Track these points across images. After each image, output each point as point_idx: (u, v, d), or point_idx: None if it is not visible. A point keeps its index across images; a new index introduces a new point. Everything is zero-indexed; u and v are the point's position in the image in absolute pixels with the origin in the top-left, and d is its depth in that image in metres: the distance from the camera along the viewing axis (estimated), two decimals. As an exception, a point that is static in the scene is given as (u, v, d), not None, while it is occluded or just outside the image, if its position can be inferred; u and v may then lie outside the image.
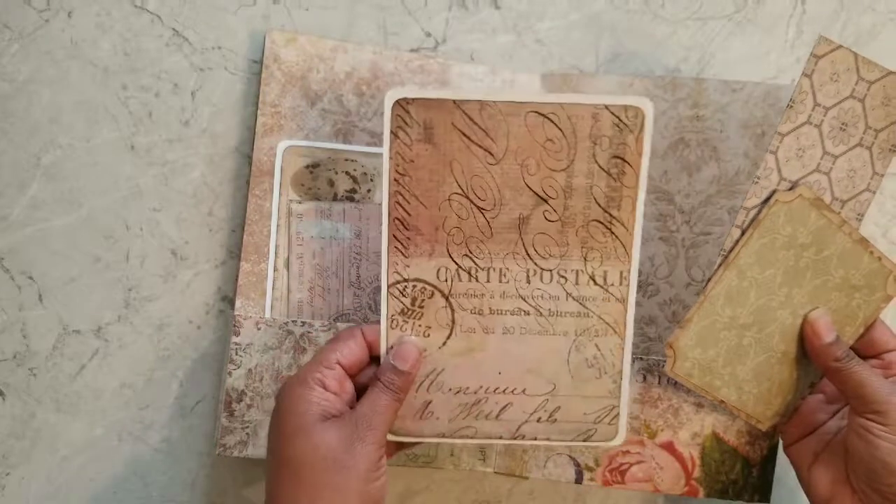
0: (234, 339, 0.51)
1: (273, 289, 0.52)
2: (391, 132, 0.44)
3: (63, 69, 0.53)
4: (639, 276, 0.53)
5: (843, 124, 0.47)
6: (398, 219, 0.45)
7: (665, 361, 0.48)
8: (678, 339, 0.48)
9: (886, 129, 0.48)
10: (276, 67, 0.52)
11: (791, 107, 0.46)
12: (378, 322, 0.46)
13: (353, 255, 0.52)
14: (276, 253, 0.52)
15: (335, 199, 0.52)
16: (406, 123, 0.44)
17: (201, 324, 0.54)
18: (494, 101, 0.44)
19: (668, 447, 0.52)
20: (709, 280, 0.47)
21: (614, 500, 0.56)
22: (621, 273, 0.46)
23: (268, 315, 0.52)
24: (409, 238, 0.45)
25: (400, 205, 0.45)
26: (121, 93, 0.53)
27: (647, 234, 0.53)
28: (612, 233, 0.45)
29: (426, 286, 0.46)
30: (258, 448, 0.51)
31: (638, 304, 0.53)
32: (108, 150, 0.53)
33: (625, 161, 0.44)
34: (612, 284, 0.46)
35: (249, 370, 0.51)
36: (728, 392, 0.49)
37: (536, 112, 0.44)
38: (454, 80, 0.53)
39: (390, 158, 0.44)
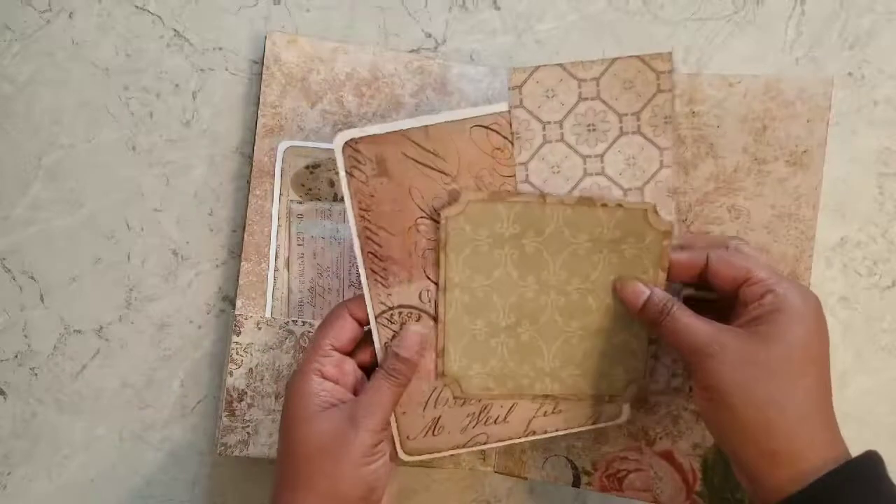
0: (235, 338, 0.51)
1: (273, 289, 0.52)
2: (347, 172, 0.45)
3: (64, 70, 0.53)
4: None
5: (589, 125, 0.46)
6: (371, 252, 0.46)
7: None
8: (445, 367, 0.47)
9: (646, 108, 0.46)
10: (277, 69, 0.52)
11: (518, 139, 0.46)
12: (359, 294, 0.47)
13: (352, 255, 0.52)
14: (276, 253, 0.52)
15: (335, 199, 0.52)
16: (359, 161, 0.45)
17: (202, 323, 0.54)
18: (437, 124, 0.45)
19: (667, 456, 0.50)
20: (435, 311, 0.47)
21: (616, 501, 0.56)
22: None
23: (268, 315, 0.52)
24: (385, 268, 0.46)
25: (370, 238, 0.46)
26: (122, 93, 0.53)
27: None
28: None
29: (412, 310, 0.46)
30: (259, 447, 0.51)
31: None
32: (110, 151, 0.53)
33: None
34: None
35: (250, 370, 0.51)
36: (545, 385, 0.47)
37: (479, 125, 0.45)
38: (453, 80, 0.53)
39: (352, 197, 0.45)
